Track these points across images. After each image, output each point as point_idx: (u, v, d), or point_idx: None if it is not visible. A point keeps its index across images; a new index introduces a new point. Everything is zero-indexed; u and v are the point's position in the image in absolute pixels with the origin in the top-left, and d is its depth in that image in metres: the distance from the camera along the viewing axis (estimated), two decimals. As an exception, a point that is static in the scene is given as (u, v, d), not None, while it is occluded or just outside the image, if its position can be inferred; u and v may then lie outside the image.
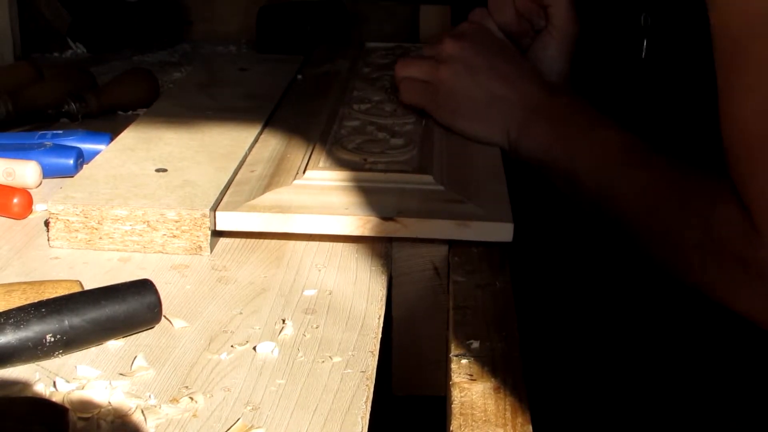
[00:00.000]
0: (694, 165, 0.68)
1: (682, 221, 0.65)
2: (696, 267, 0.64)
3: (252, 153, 0.79)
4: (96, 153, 0.78)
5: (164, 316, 0.57)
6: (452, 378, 0.52)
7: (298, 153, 0.77)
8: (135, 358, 0.53)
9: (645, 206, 0.69)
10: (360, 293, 0.62)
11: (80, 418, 0.47)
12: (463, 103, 0.82)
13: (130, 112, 0.98)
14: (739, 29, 0.59)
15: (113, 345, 0.55)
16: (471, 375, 0.52)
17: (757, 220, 0.59)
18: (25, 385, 0.50)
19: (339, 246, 0.68)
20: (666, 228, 0.67)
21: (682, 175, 0.67)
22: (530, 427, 0.48)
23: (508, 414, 0.49)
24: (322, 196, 0.69)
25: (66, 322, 0.52)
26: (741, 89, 0.60)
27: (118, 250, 0.67)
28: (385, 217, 0.66)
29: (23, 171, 0.76)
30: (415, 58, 0.88)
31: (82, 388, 0.50)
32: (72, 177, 0.74)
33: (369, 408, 0.50)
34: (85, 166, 0.75)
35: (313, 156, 0.75)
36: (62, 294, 0.55)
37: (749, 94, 0.59)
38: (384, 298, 0.62)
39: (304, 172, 0.72)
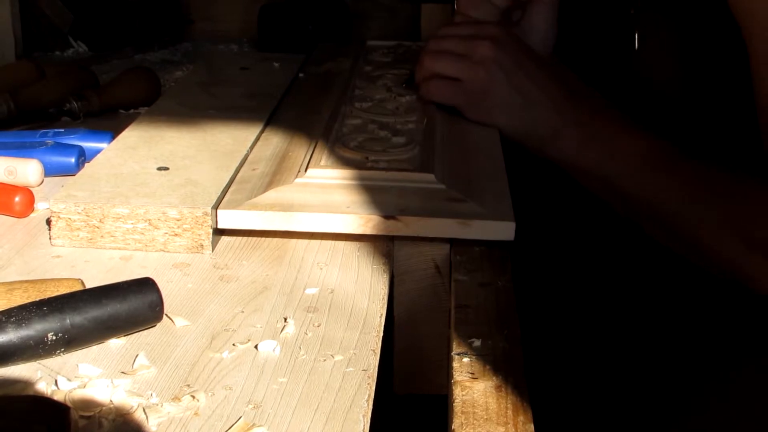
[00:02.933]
0: (724, 164, 0.71)
1: (726, 221, 0.70)
2: (753, 268, 0.66)
3: (253, 151, 0.79)
4: (97, 151, 0.78)
5: (166, 315, 0.57)
6: (454, 376, 0.52)
7: (299, 151, 0.77)
8: (136, 357, 0.53)
9: (687, 211, 0.73)
10: (362, 292, 0.62)
11: (82, 417, 0.47)
12: (498, 104, 0.84)
13: (131, 111, 0.98)
14: None
15: (115, 343, 0.55)
16: (472, 373, 0.52)
17: None
18: (26, 383, 0.50)
19: (341, 244, 0.68)
20: (703, 227, 0.71)
21: (718, 175, 0.72)
22: (532, 426, 0.48)
23: (510, 412, 0.49)
24: (324, 195, 0.69)
25: (67, 321, 0.52)
26: None
27: (119, 249, 0.67)
28: (387, 215, 0.66)
29: (25, 169, 0.76)
30: (444, 53, 0.89)
31: (84, 387, 0.50)
32: (73, 175, 0.74)
33: (371, 406, 0.50)
34: (86, 164, 0.75)
35: (314, 154, 0.75)
36: (64, 292, 0.55)
37: None
38: (386, 297, 0.62)
39: (305, 170, 0.72)
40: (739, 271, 0.70)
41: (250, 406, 0.49)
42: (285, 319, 0.58)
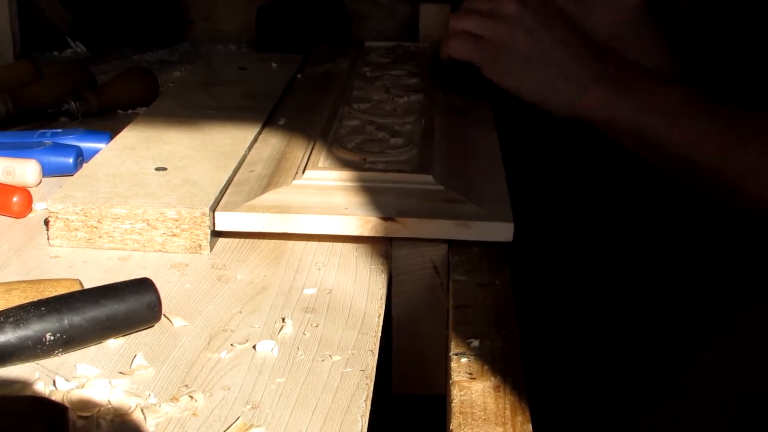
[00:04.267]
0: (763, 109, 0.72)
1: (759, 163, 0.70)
2: None
3: (251, 152, 0.79)
4: (96, 152, 0.78)
5: (164, 315, 0.57)
6: (452, 377, 0.52)
7: (297, 152, 0.77)
8: (135, 357, 0.53)
9: (726, 157, 0.73)
10: (360, 292, 0.62)
11: (80, 417, 0.47)
12: (517, 62, 0.83)
13: (129, 111, 0.98)
14: None
15: (113, 344, 0.55)
16: (471, 374, 0.52)
17: None
18: (24, 383, 0.50)
19: (339, 245, 0.68)
20: (744, 171, 0.72)
21: (757, 119, 0.72)
22: (530, 426, 0.48)
23: (508, 413, 0.49)
24: (322, 196, 0.69)
25: (66, 321, 0.52)
26: None
27: (117, 249, 0.67)
28: (385, 217, 0.66)
29: (23, 170, 0.76)
30: (471, 12, 0.88)
31: (82, 387, 0.50)
32: (72, 176, 0.74)
33: (369, 407, 0.50)
34: (84, 164, 0.75)
35: (312, 155, 0.75)
36: (62, 293, 0.55)
37: None
38: (384, 297, 0.62)
39: (303, 171, 0.72)
40: None
41: (249, 407, 0.49)
42: (283, 320, 0.58)
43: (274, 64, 1.05)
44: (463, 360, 0.54)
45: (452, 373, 0.52)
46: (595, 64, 0.81)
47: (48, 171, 0.78)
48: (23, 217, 0.72)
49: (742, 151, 0.73)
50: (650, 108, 0.77)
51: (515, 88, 0.83)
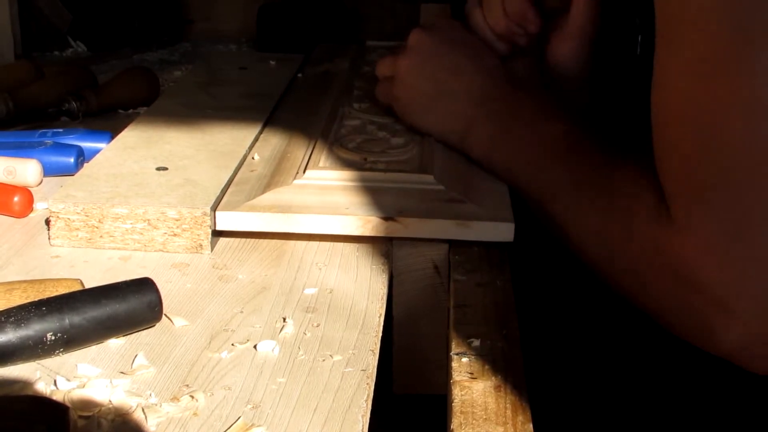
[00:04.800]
0: (629, 156, 0.63)
1: (606, 218, 0.62)
2: (629, 283, 0.61)
3: (252, 152, 0.78)
4: (96, 151, 0.78)
5: (165, 315, 0.57)
6: (453, 376, 0.52)
7: (298, 152, 0.77)
8: (135, 357, 0.53)
9: (571, 205, 0.65)
10: (361, 292, 0.62)
11: (81, 417, 0.48)
12: (414, 97, 0.80)
13: (130, 111, 0.98)
14: (678, 8, 0.57)
15: (114, 343, 0.55)
16: (471, 373, 0.52)
17: (669, 204, 0.55)
18: (25, 383, 0.50)
19: (339, 245, 0.68)
20: (593, 230, 0.63)
21: (612, 170, 0.63)
22: (531, 426, 0.48)
23: (509, 412, 0.49)
24: (323, 196, 0.69)
25: (67, 321, 0.52)
26: (672, 64, 0.56)
27: (118, 249, 0.67)
28: (386, 216, 0.66)
29: (24, 169, 0.76)
30: (388, 55, 0.85)
31: (83, 387, 0.50)
32: (72, 175, 0.74)
33: (369, 407, 0.50)
34: (85, 164, 0.75)
35: (313, 155, 0.75)
36: (63, 292, 0.55)
37: (679, 71, 0.56)
38: (385, 297, 0.62)
39: (304, 171, 0.72)
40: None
41: (249, 406, 0.49)
42: (284, 319, 0.58)
43: (274, 63, 1.05)
44: (464, 360, 0.54)
45: (453, 372, 0.52)
46: (482, 100, 0.76)
47: (49, 171, 0.78)
48: (24, 216, 0.72)
49: (585, 207, 0.64)
50: (520, 151, 0.71)
51: (418, 124, 0.80)
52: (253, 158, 0.76)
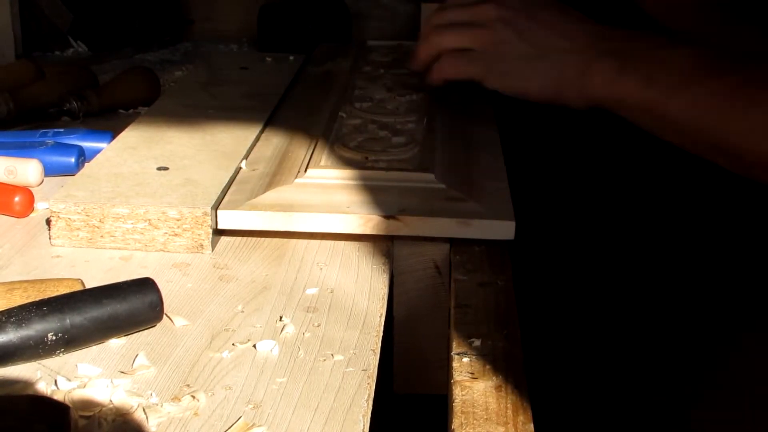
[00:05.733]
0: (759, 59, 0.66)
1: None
2: None
3: (253, 151, 0.78)
4: (97, 151, 0.78)
5: (165, 315, 0.57)
6: (453, 376, 0.52)
7: (299, 151, 0.77)
8: (136, 357, 0.53)
9: (728, 117, 0.67)
10: (361, 291, 0.62)
11: (82, 417, 0.47)
12: (514, 64, 0.79)
13: (131, 111, 0.98)
14: None
15: (115, 343, 0.55)
16: (472, 373, 0.52)
17: None
18: (26, 383, 0.50)
19: (340, 244, 0.68)
20: (749, 133, 0.66)
21: (759, 66, 0.66)
22: (532, 426, 0.48)
23: (510, 412, 0.49)
24: (324, 195, 0.69)
25: (67, 321, 0.52)
26: None
27: (119, 249, 0.67)
28: (387, 215, 0.66)
29: (25, 169, 0.76)
30: (445, 27, 0.83)
31: (84, 387, 0.50)
32: (73, 175, 0.74)
33: (370, 406, 0.50)
34: (86, 164, 0.75)
35: (314, 154, 0.75)
36: (64, 292, 0.55)
37: None
38: (385, 297, 0.62)
39: (305, 170, 0.72)
40: None
41: (250, 406, 0.49)
42: (284, 319, 0.58)
43: (275, 63, 1.05)
44: (465, 359, 0.54)
45: (454, 372, 0.52)
46: (593, 41, 0.76)
47: (50, 170, 0.78)
48: (25, 216, 0.72)
49: (747, 112, 0.66)
50: (655, 77, 0.71)
51: (523, 91, 0.80)
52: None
